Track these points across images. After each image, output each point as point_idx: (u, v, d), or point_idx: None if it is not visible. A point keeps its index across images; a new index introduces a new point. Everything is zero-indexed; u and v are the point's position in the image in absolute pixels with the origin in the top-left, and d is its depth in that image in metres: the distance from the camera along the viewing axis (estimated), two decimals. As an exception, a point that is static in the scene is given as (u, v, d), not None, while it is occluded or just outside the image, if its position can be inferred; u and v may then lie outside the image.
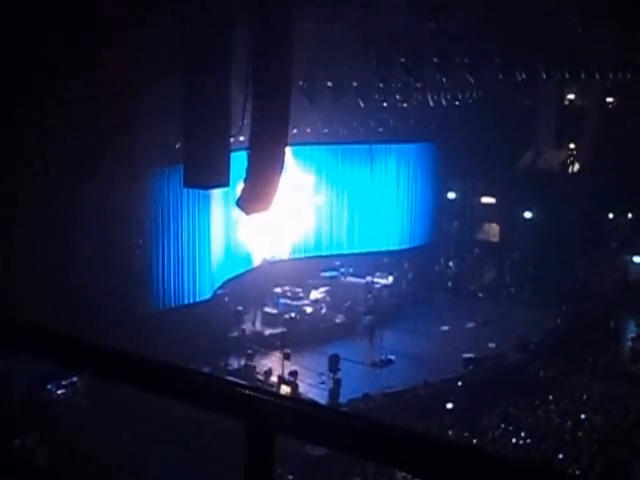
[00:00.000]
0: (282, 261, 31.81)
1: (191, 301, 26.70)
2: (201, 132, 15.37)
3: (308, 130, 30.13)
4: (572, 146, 36.72)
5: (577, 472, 18.53)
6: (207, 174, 15.95)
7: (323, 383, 24.37)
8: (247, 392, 1.93)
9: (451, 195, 37.05)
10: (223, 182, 16.22)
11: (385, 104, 29.29)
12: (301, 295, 30.43)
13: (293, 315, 29.13)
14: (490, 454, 1.67)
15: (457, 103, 29.92)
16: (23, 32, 16.83)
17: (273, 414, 1.90)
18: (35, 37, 16.97)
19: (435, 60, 24.66)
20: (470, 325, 30.32)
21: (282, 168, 16.63)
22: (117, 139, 17.61)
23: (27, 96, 18.30)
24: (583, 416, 22.93)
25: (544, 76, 26.61)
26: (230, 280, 29.28)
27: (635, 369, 26.72)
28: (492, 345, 28.10)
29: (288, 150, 18.27)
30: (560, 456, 20.29)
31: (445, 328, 30.08)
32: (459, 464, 1.70)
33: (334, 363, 24.49)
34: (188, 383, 2.05)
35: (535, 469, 1.64)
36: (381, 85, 26.11)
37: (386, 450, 1.78)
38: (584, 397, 24.18)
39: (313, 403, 1.93)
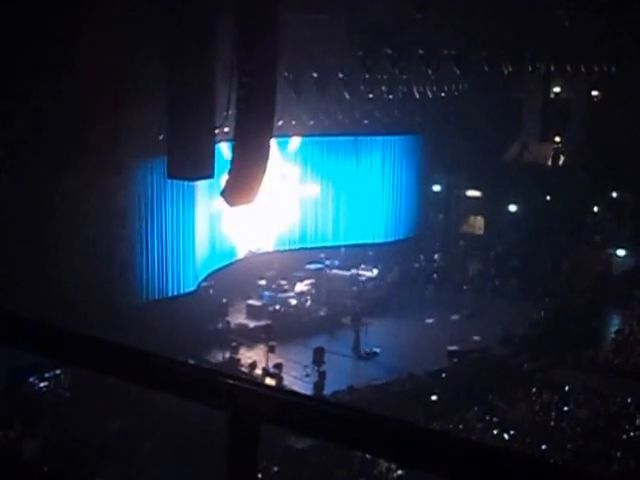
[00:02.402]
0: (267, 253, 31.77)
1: (175, 293, 26.62)
2: (185, 123, 15.29)
3: (293, 122, 30.05)
4: (557, 139, 36.85)
5: (559, 463, 18.59)
6: (191, 165, 15.88)
7: (308, 375, 24.37)
8: (231, 382, 1.91)
9: (436, 188, 37.10)
10: (207, 174, 16.15)
11: (371, 96, 29.26)
12: (286, 287, 30.41)
13: (278, 307, 29.11)
14: (477, 443, 1.67)
15: (443, 95, 29.92)
16: (5, 19, 16.71)
17: (257, 404, 1.88)
18: (19, 24, 16.85)
19: (421, 52, 24.64)
20: (455, 318, 30.36)
21: (267, 160, 16.57)
22: (101, 130, 17.52)
23: (11, 85, 18.17)
24: (566, 408, 23.06)
25: (530, 69, 26.67)
26: (214, 272, 29.22)
27: (618, 362, 26.85)
28: (477, 338, 28.16)
29: (273, 142, 18.22)
30: (543, 447, 20.40)
31: (430, 321, 30.13)
32: (445, 453, 1.68)
33: (319, 355, 24.52)
34: (172, 373, 2.02)
35: (517, 458, 1.63)
36: (367, 76, 26.07)
37: (372, 439, 1.78)
38: (567, 390, 24.29)
39: (297, 393, 1.90)
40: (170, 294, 26.45)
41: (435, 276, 34.42)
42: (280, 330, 27.09)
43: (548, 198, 35.47)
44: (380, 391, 23.95)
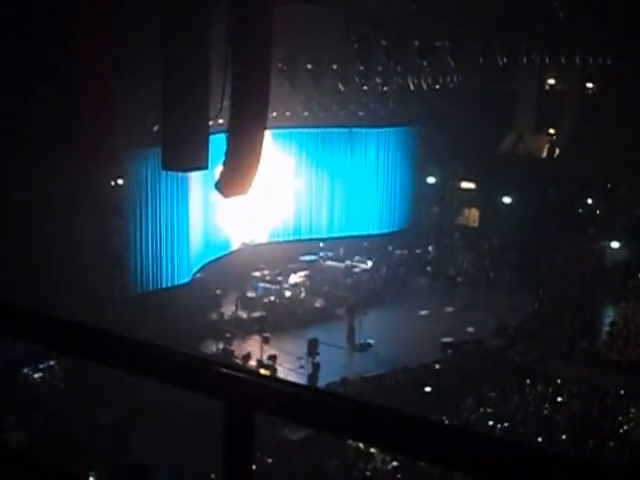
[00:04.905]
0: (261, 245, 31.75)
1: (169, 285, 26.62)
2: (180, 114, 15.24)
3: (288, 114, 30.01)
4: (552, 131, 36.87)
5: (558, 453, 18.61)
6: (186, 157, 15.84)
7: (302, 367, 24.40)
8: (226, 371, 1.90)
9: (431, 180, 37.09)
10: (202, 165, 16.11)
11: (365, 88, 29.17)
12: (280, 279, 30.41)
13: (272, 299, 29.11)
14: (473, 432, 1.66)
15: (438, 87, 29.86)
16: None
17: (252, 393, 1.87)
18: (12, 14, 16.77)
19: (416, 43, 24.56)
20: (449, 309, 30.44)
21: (261, 151, 16.53)
22: (95, 121, 17.45)
23: (3, 76, 18.10)
24: (560, 400, 23.11)
25: (525, 61, 26.63)
26: (209, 264, 29.20)
27: (612, 354, 26.90)
28: (471, 329, 28.24)
29: (268, 133, 18.18)
30: (539, 439, 20.45)
31: (424, 312, 30.17)
32: (441, 442, 1.68)
33: (313, 347, 24.54)
34: (167, 363, 2.03)
35: (514, 448, 1.63)
36: (361, 68, 26.00)
37: (366, 429, 1.77)
38: (561, 381, 24.33)
39: (292, 382, 1.90)
40: (164, 285, 26.46)
41: (429, 268, 34.43)
42: (274, 322, 27.12)
43: (542, 190, 35.48)
44: (374, 383, 23.98)
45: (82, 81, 16.50)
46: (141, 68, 19.81)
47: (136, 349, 2.08)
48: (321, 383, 23.58)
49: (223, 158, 16.12)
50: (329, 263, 32.74)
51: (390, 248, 34.52)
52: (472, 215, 37.73)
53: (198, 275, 28.44)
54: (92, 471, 16.89)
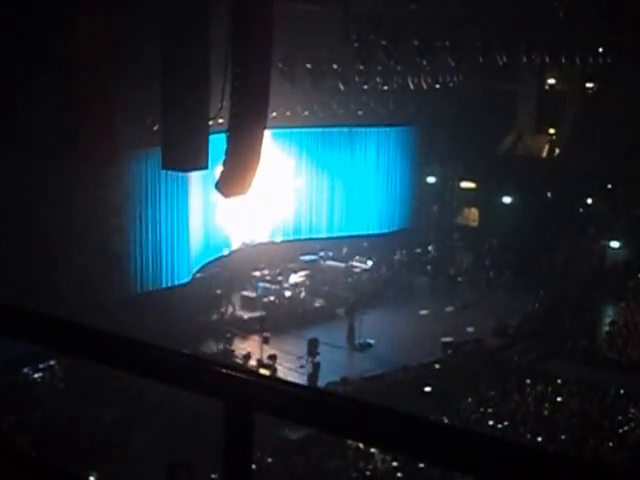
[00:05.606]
0: (261, 245, 31.75)
1: (169, 284, 26.62)
2: (180, 114, 15.26)
3: (288, 113, 30.02)
4: (552, 131, 36.89)
5: (557, 453, 18.61)
6: (185, 157, 15.86)
7: (302, 367, 24.40)
8: (225, 371, 1.91)
9: (431, 179, 37.11)
10: (202, 165, 16.12)
11: (365, 87, 29.23)
12: (280, 279, 30.40)
13: (272, 299, 29.10)
14: (473, 432, 1.66)
15: (437, 86, 29.89)
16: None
17: (252, 393, 1.88)
18: (11, 14, 16.77)
19: (416, 43, 24.58)
20: (449, 309, 30.45)
21: (261, 151, 16.54)
22: (95, 120, 17.46)
23: (2, 74, 18.10)
24: (559, 399, 23.13)
25: (525, 60, 26.65)
26: (209, 263, 29.21)
27: (611, 354, 26.92)
28: (471, 329, 28.24)
29: (267, 133, 18.18)
30: (539, 439, 20.46)
31: (424, 312, 30.18)
32: (441, 442, 1.68)
33: (313, 347, 24.54)
34: (167, 362, 2.03)
35: (514, 448, 1.62)
36: (361, 68, 26.03)
37: (367, 429, 1.78)
38: (561, 381, 24.34)
39: (292, 383, 1.90)
40: (164, 285, 26.46)
41: (429, 268, 34.44)
42: (274, 321, 27.11)
43: (542, 190, 35.50)
44: (374, 382, 23.99)
45: (82, 81, 16.50)
46: (141, 68, 19.81)
47: (136, 349, 2.08)
48: (321, 383, 23.59)
49: (223, 158, 16.12)
50: (329, 263, 32.73)
51: (390, 248, 34.50)
52: (472, 215, 37.75)
53: (198, 275, 28.44)
54: (92, 471, 16.89)
